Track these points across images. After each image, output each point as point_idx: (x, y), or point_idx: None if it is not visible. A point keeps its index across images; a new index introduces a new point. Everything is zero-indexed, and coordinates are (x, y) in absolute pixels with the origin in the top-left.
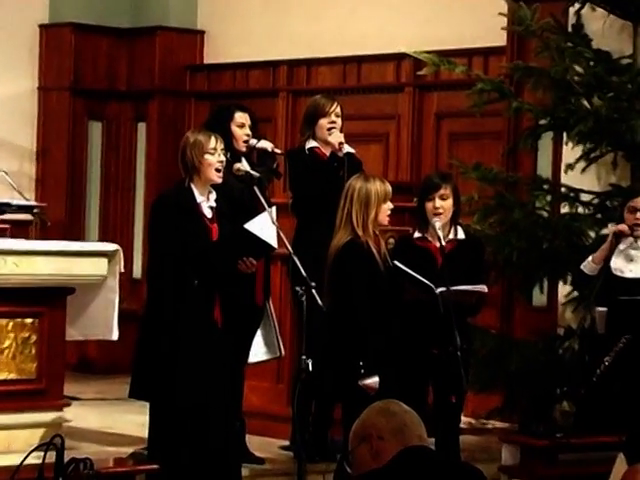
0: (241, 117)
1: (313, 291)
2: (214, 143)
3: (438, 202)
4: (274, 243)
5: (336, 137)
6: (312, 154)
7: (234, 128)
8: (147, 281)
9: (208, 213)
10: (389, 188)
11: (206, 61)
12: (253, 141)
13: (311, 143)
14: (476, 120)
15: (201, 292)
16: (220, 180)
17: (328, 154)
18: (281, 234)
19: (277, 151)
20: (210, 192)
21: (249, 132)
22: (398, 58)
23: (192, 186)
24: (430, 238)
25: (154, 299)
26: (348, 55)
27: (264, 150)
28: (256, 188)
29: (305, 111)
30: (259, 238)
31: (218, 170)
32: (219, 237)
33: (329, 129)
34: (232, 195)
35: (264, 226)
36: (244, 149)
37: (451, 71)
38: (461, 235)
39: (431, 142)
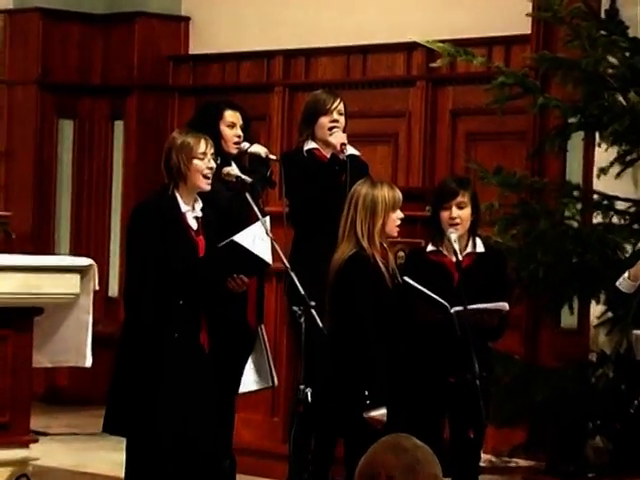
0: (231, 116)
1: (312, 311)
2: (204, 147)
3: (455, 211)
4: (268, 258)
5: (338, 137)
6: (311, 156)
7: (223, 128)
8: (124, 300)
9: (194, 224)
10: (398, 195)
11: (191, 52)
12: (245, 145)
13: (310, 144)
14: (497, 118)
15: (186, 313)
16: (209, 187)
17: (329, 156)
18: (276, 247)
19: (272, 157)
20: (196, 201)
21: (240, 133)
22: (409, 48)
23: (176, 194)
24: (445, 251)
25: (132, 321)
26: (352, 45)
27: (257, 156)
28: (248, 195)
29: (303, 108)
30: (251, 252)
31: (207, 177)
32: (206, 251)
33: (330, 128)
34: (219, 204)
35: (257, 238)
36: (234, 151)
37: (469, 63)
38: (480, 248)
39: (446, 143)
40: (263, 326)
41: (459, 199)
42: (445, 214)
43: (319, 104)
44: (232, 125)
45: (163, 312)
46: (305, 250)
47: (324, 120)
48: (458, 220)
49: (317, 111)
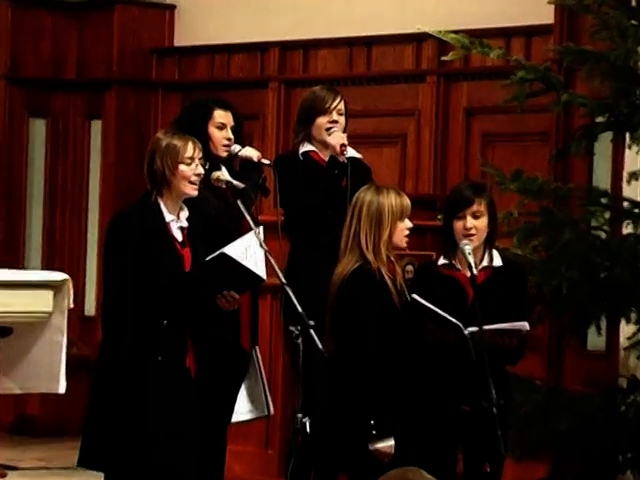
0: (222, 116)
1: (312, 332)
2: (192, 151)
3: (470, 221)
4: (262, 272)
5: (337, 137)
6: (307, 160)
7: (212, 130)
8: (102, 320)
9: (179, 235)
10: (406, 202)
11: (177, 43)
12: (235, 148)
13: (306, 146)
14: (516, 117)
15: (170, 334)
16: (195, 193)
17: (327, 159)
18: (271, 260)
19: (264, 162)
20: (181, 209)
21: (231, 135)
22: (418, 40)
23: (160, 202)
24: (458, 265)
25: (111, 343)
26: (355, 36)
27: (248, 160)
28: (240, 203)
29: (299, 107)
30: (243, 266)
31: (194, 184)
32: (193, 265)
33: (328, 129)
34: (206, 213)
35: (249, 251)
36: (224, 155)
37: (484, 56)
38: (497, 261)
39: (460, 145)
40: (258, 348)
41: (475, 208)
42: (459, 224)
43: (317, 102)
44: (222, 126)
45: (145, 333)
46: (302, 264)
47: (322, 120)
48: (473, 231)
49: (314, 110)
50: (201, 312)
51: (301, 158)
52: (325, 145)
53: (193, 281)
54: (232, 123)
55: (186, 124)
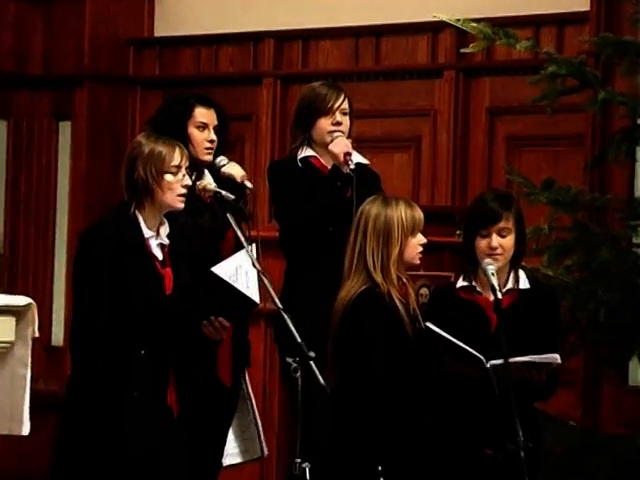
0: (203, 114)
1: (312, 364)
2: (178, 159)
3: (496, 239)
4: (255, 295)
5: (340, 145)
6: (307, 167)
7: (192, 130)
8: (71, 350)
9: (159, 253)
10: (419, 215)
11: (157, 34)
12: (220, 160)
13: (306, 151)
14: (546, 118)
15: (149, 366)
16: (182, 206)
17: (330, 167)
18: (265, 282)
19: (248, 185)
20: (162, 224)
21: (214, 137)
22: (434, 29)
23: (139, 215)
24: (480, 288)
25: (81, 376)
26: (362, 25)
27: (230, 179)
28: (230, 217)
29: (297, 106)
30: (233, 288)
31: (180, 195)
32: (175, 287)
33: (331, 132)
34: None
35: (240, 271)
36: (206, 159)
37: (510, 48)
38: (524, 284)
39: (482, 150)
40: (248, 381)
41: (502, 224)
42: (482, 242)
43: (318, 101)
44: (204, 126)
45: (120, 365)
46: (301, 286)
47: (324, 122)
48: (499, 250)
49: (315, 110)
50: (184, 341)
51: (300, 164)
52: (326, 149)
53: (175, 305)
54: (215, 123)
55: (163, 123)
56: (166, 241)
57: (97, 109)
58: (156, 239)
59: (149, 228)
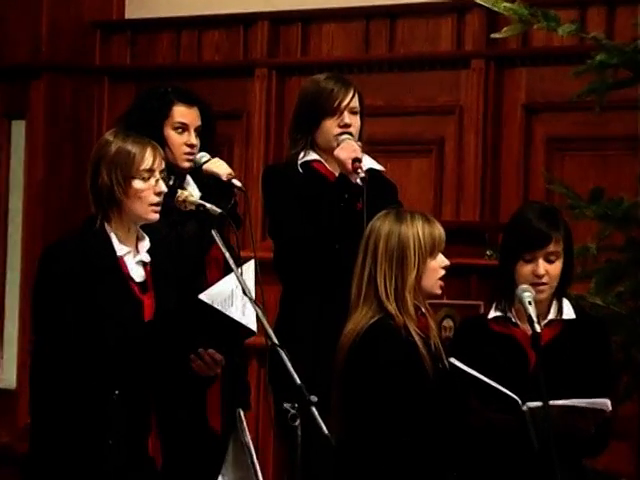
0: (183, 114)
1: (313, 410)
2: (150, 160)
3: (543, 265)
4: (252, 324)
5: (348, 150)
6: (309, 172)
7: (170, 132)
8: (31, 394)
9: (137, 274)
10: (439, 232)
11: (129, 16)
12: (201, 157)
13: (309, 155)
14: (594, 117)
15: (126, 410)
16: (156, 217)
17: (337, 174)
18: (259, 312)
19: (236, 183)
20: (140, 239)
21: (194, 140)
22: (459, 10)
23: (108, 229)
24: (516, 319)
25: (43, 424)
26: (374, 4)
27: (215, 177)
28: (216, 234)
29: (298, 104)
30: (225, 315)
31: (154, 204)
32: (157, 315)
33: (339, 135)
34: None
35: (236, 294)
36: (186, 165)
37: (550, 32)
38: (569, 314)
39: (517, 154)
40: (246, 428)
41: (551, 248)
42: (526, 269)
43: (323, 99)
44: (183, 127)
45: (91, 409)
46: (299, 317)
47: (330, 124)
48: (546, 279)
49: (320, 109)
50: (168, 379)
51: (300, 170)
52: (333, 153)
53: (156, 335)
54: (198, 123)
55: (136, 123)
56: (147, 258)
57: (57, 105)
58: (133, 257)
59: (122, 244)
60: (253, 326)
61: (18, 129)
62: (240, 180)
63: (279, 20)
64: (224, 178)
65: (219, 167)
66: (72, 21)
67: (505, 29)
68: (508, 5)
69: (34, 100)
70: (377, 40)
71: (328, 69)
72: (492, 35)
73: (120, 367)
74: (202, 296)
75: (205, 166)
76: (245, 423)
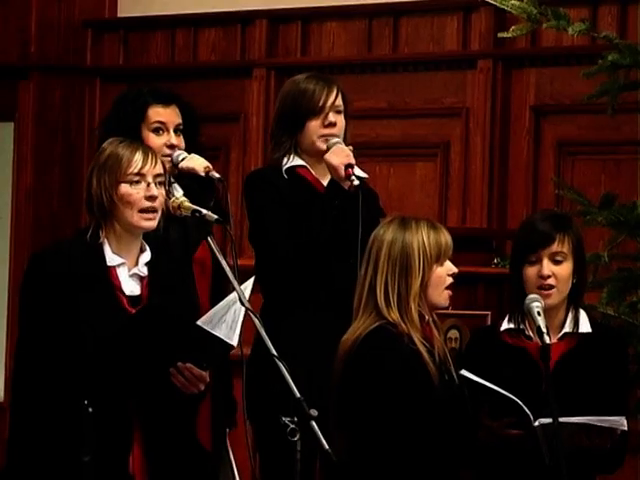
0: (159, 114)
1: (313, 424)
2: (139, 163)
3: (547, 266)
4: (234, 337)
5: (339, 155)
6: (294, 178)
7: (147, 134)
8: (12, 408)
9: (131, 287)
10: (446, 239)
11: (122, 14)
12: (178, 155)
13: (293, 160)
14: (606, 119)
15: (101, 425)
16: (154, 225)
17: (323, 181)
18: (257, 322)
19: (215, 175)
20: (142, 251)
21: (174, 141)
22: (466, 9)
23: (102, 238)
24: (530, 332)
25: (21, 439)
26: (377, 2)
27: (193, 174)
28: (211, 241)
29: (280, 106)
30: (200, 328)
31: (149, 211)
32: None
33: (324, 136)
34: None
35: (233, 307)
36: (167, 167)
37: (561, 32)
38: (586, 326)
39: (525, 158)
40: (229, 446)
41: (555, 247)
42: (531, 270)
43: (306, 98)
44: (161, 128)
45: (65, 423)
46: (286, 333)
47: (314, 125)
48: (552, 280)
49: (303, 110)
50: (149, 392)
51: (285, 176)
52: (318, 157)
53: (120, 340)
54: (178, 121)
55: (114, 129)
56: (144, 272)
57: (47, 107)
58: (128, 269)
59: (117, 254)
60: (233, 340)
61: (6, 131)
62: (223, 176)
63: (278, 18)
64: (202, 173)
65: (195, 162)
66: (62, 19)
67: (513, 28)
68: (516, 3)
69: (23, 101)
70: (380, 40)
71: (329, 69)
72: (500, 34)
73: (94, 377)
74: (199, 323)
75: (181, 164)
76: (228, 441)
